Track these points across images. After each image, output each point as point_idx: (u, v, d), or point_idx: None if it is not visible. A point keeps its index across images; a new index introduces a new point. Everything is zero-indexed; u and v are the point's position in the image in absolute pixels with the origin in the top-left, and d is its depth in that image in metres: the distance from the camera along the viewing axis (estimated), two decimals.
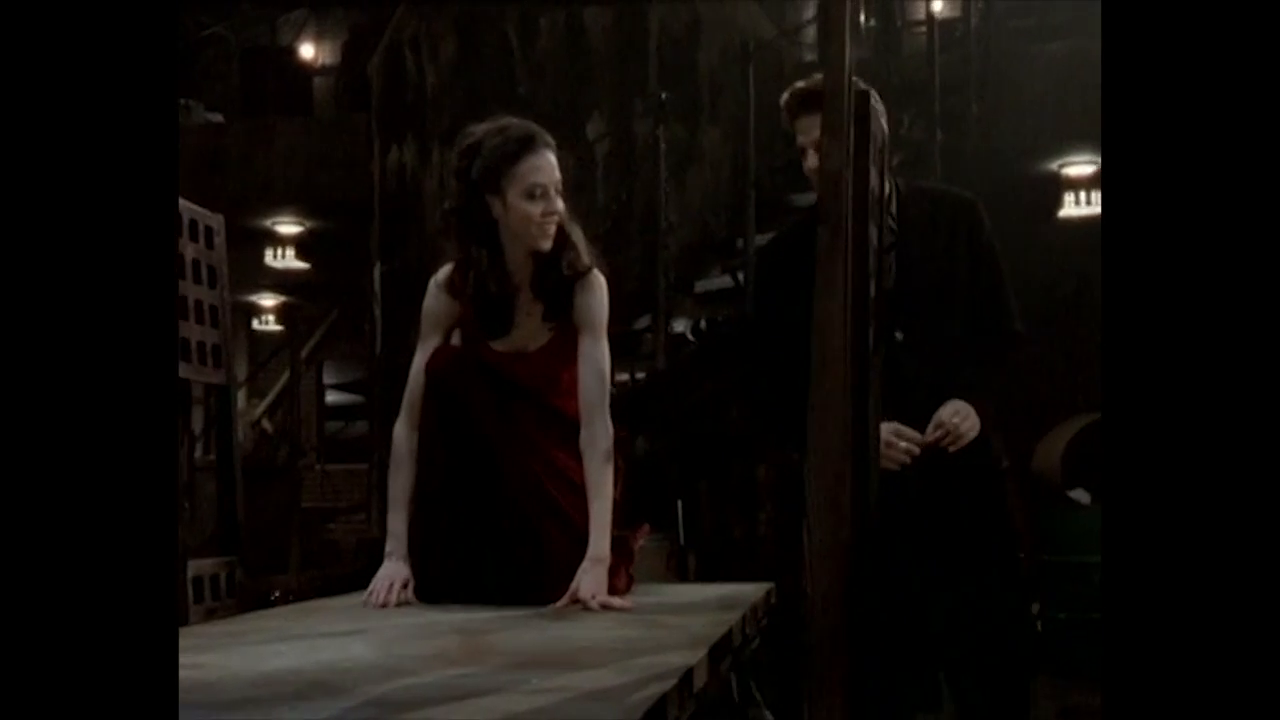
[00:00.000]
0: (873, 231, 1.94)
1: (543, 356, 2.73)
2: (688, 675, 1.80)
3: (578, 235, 2.76)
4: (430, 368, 2.69)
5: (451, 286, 2.75)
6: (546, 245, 2.68)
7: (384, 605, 2.58)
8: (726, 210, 7.55)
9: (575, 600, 2.51)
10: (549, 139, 2.72)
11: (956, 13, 8.71)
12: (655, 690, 1.60)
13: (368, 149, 7.74)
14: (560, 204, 2.68)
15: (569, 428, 2.68)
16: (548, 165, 2.67)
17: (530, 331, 2.74)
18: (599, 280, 2.74)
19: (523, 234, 2.67)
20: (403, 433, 2.73)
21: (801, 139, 2.78)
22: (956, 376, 2.77)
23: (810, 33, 8.50)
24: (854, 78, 1.73)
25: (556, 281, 2.71)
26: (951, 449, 2.69)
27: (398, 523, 2.71)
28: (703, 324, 7.01)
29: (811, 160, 2.70)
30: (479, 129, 2.72)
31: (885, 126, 2.07)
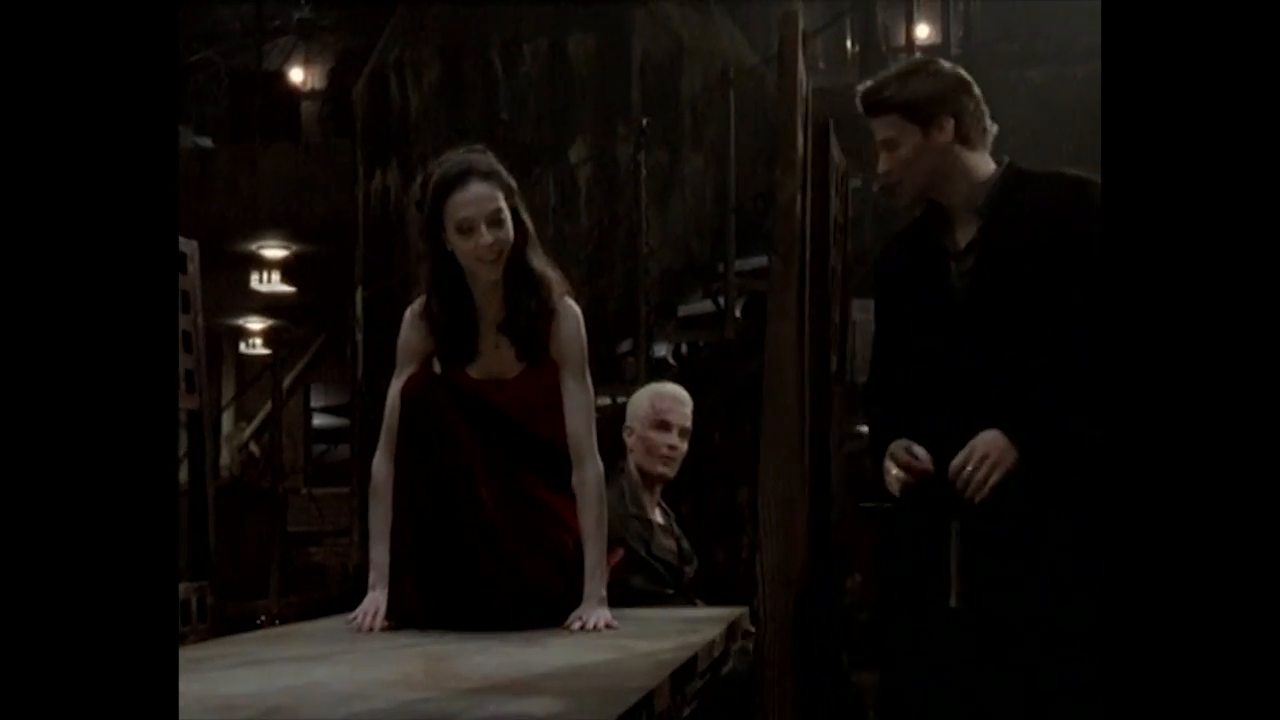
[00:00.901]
0: (833, 255, 1.96)
1: (519, 384, 2.73)
2: (647, 699, 1.81)
3: (543, 266, 2.73)
4: (405, 392, 2.69)
5: (424, 316, 2.75)
6: (491, 276, 2.67)
7: (369, 630, 2.59)
8: (708, 235, 7.58)
9: (581, 627, 2.56)
10: (487, 169, 2.67)
11: (938, 39, 8.78)
12: (610, 713, 1.61)
13: (352, 174, 7.76)
14: (492, 237, 2.62)
15: (546, 454, 2.70)
16: (476, 199, 2.62)
17: (502, 361, 2.73)
18: (573, 312, 2.74)
19: (468, 266, 2.66)
20: (382, 463, 2.71)
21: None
22: (1023, 401, 2.34)
23: (815, 48, 8.57)
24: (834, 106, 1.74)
25: (528, 325, 2.70)
26: (974, 498, 2.31)
27: (380, 554, 2.68)
28: (684, 348, 7.04)
29: (882, 164, 2.48)
30: (436, 161, 2.73)
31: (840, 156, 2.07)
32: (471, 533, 2.60)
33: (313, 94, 13.26)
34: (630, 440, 3.58)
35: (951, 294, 2.46)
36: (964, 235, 2.48)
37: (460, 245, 2.64)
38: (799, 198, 1.63)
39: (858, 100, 2.46)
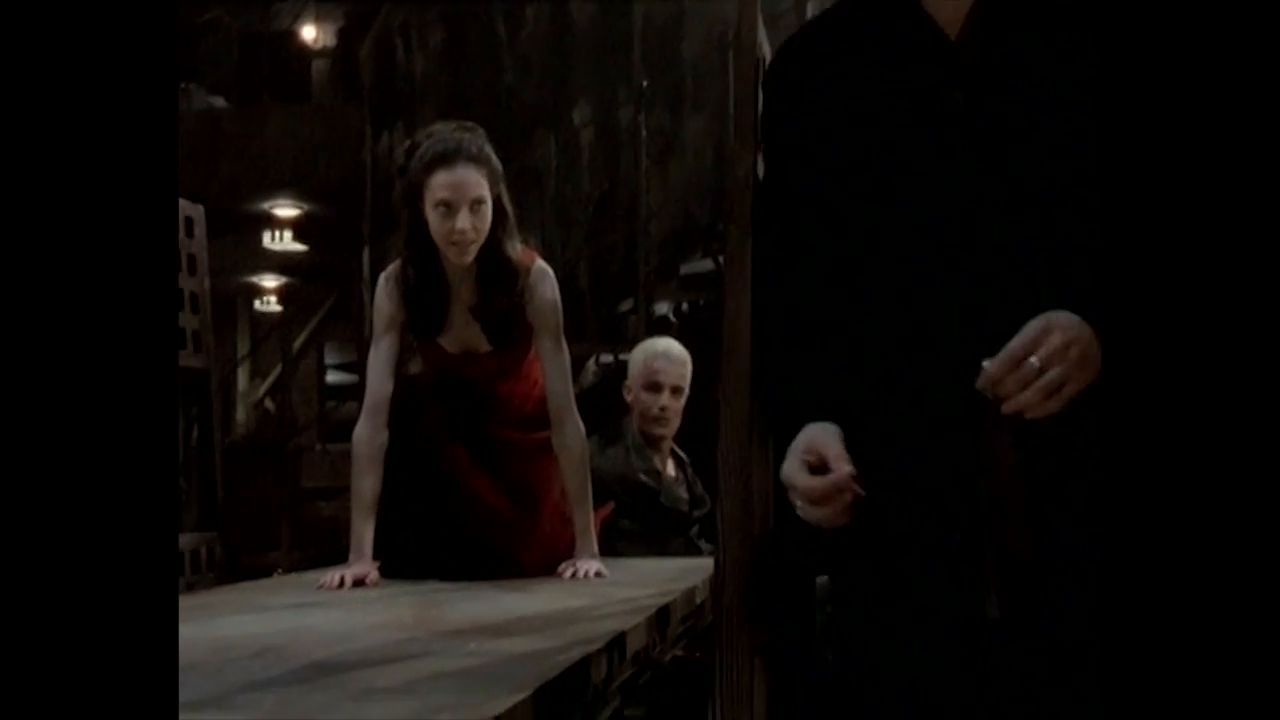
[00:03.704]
0: None
1: (494, 357, 2.78)
2: (618, 639, 1.92)
3: (516, 254, 2.70)
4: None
5: (396, 283, 2.74)
6: (463, 260, 2.64)
7: (337, 588, 2.57)
8: (709, 196, 7.67)
9: (573, 576, 2.66)
10: (476, 152, 2.62)
11: None
12: (579, 652, 1.73)
13: (361, 135, 7.86)
14: (468, 223, 2.58)
15: (522, 415, 2.80)
16: (459, 183, 2.58)
17: (474, 337, 2.75)
18: (547, 277, 2.73)
19: (441, 246, 2.64)
20: (364, 435, 2.68)
21: None
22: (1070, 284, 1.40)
23: (791, 21, 8.59)
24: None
25: (498, 314, 2.70)
26: (1031, 411, 1.34)
27: (363, 529, 2.64)
28: (685, 306, 7.15)
29: None
30: (426, 131, 2.72)
31: None
32: (453, 490, 2.70)
33: (323, 52, 13.31)
34: (629, 399, 3.63)
35: (946, 128, 1.46)
36: (950, 13, 1.48)
37: (436, 226, 2.61)
38: (756, 170, 1.73)
39: None
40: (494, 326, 2.72)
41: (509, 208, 2.70)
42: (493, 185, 2.64)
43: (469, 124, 2.73)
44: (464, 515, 2.70)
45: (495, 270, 2.68)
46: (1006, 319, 1.37)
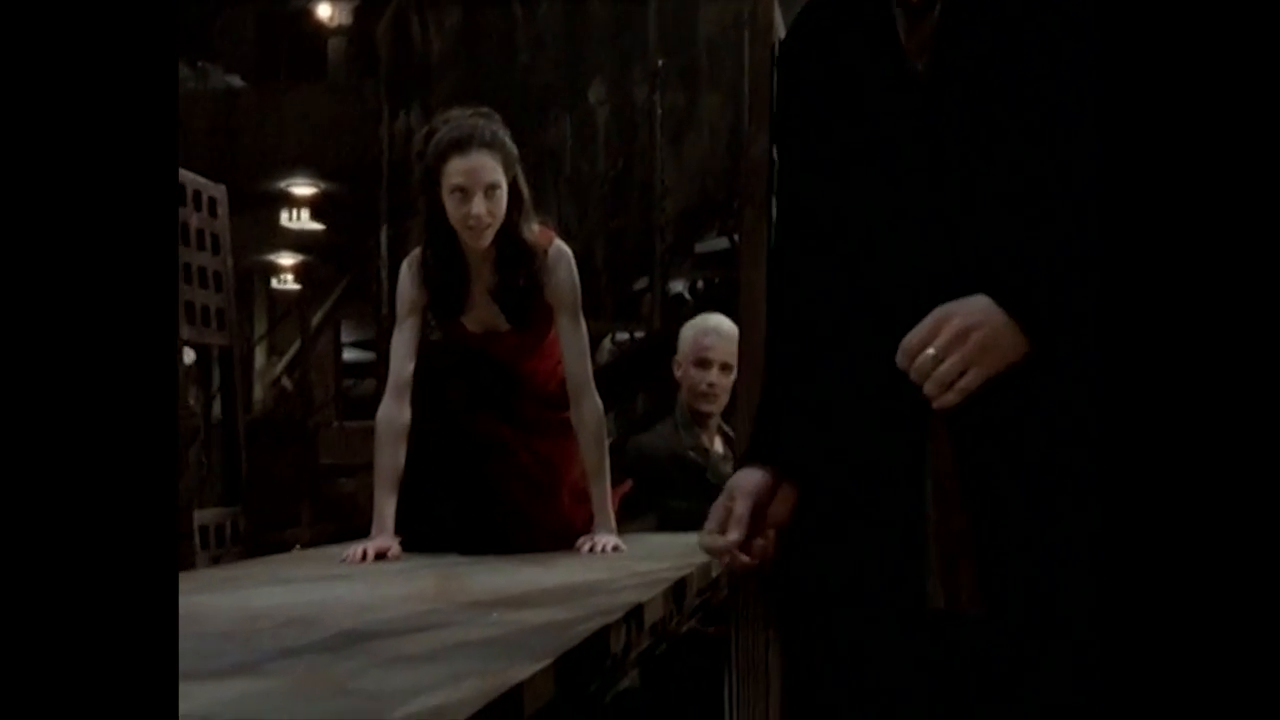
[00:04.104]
0: None
1: (515, 335, 2.83)
2: (636, 611, 1.97)
3: (533, 236, 2.74)
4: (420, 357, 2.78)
5: (418, 267, 2.79)
6: (479, 244, 2.70)
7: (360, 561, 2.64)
8: (724, 174, 7.69)
9: (591, 549, 2.70)
10: (490, 137, 2.66)
11: None
12: (598, 623, 1.77)
13: (377, 113, 7.90)
14: (483, 208, 2.63)
15: (544, 392, 2.85)
16: (473, 169, 2.63)
17: (495, 317, 2.81)
18: (565, 257, 2.77)
19: (458, 230, 2.70)
20: (387, 414, 2.74)
21: None
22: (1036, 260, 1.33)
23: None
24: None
25: (517, 297, 2.75)
26: (934, 402, 1.33)
27: (385, 504, 2.70)
28: (700, 284, 7.18)
29: None
30: (443, 117, 2.76)
31: None
32: (474, 465, 2.76)
33: (340, 31, 13.32)
34: (678, 375, 3.59)
35: (903, 100, 1.42)
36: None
37: (452, 211, 2.67)
38: (771, 150, 1.76)
39: None
40: (513, 307, 2.77)
41: (525, 191, 2.74)
42: (507, 170, 2.68)
43: (485, 109, 2.77)
44: (485, 490, 2.75)
45: (513, 252, 2.73)
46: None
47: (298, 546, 6.34)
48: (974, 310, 1.31)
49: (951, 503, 1.36)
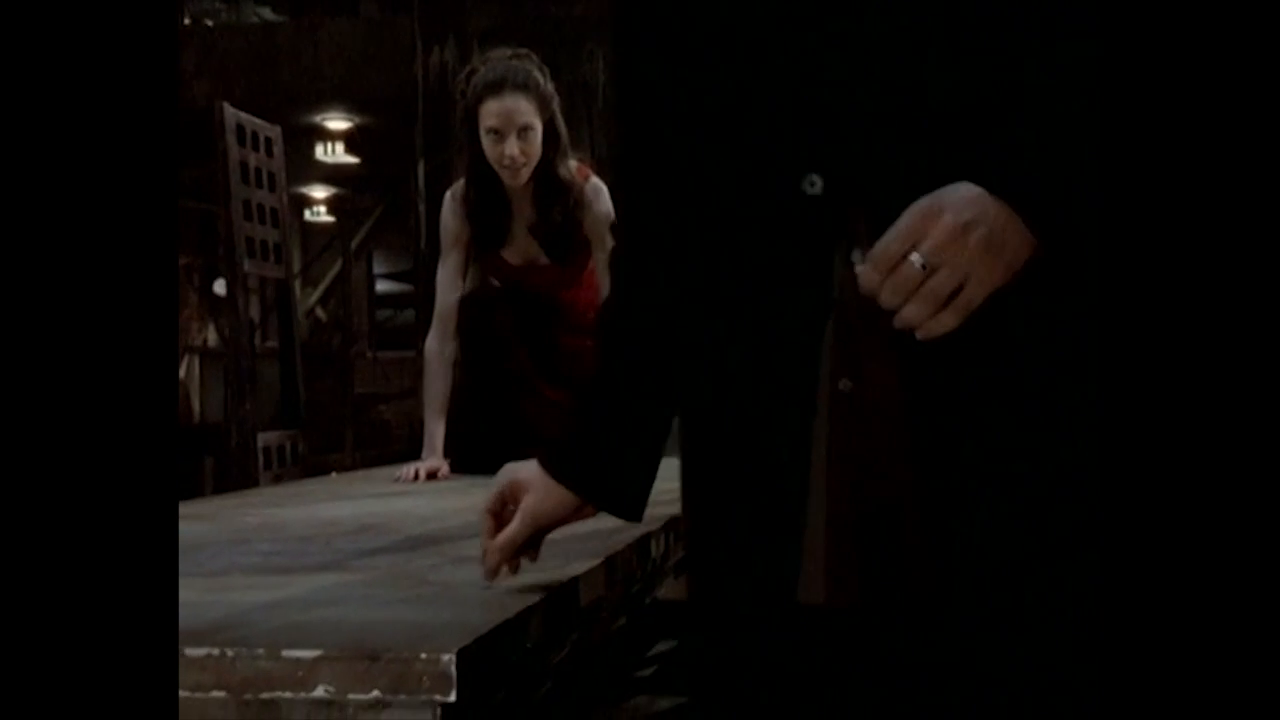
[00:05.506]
0: None
1: (555, 267, 2.98)
2: (673, 521, 2.10)
3: (569, 174, 2.84)
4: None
5: (461, 201, 2.94)
6: (516, 182, 2.83)
7: (414, 480, 2.83)
8: None
9: None
10: (524, 79, 2.75)
11: None
12: (640, 530, 1.94)
13: (411, 48, 7.99)
14: (517, 149, 2.74)
15: (581, 318, 2.99)
16: (506, 111, 2.74)
17: (535, 249, 2.95)
18: (601, 192, 2.89)
19: (496, 169, 2.82)
20: (434, 346, 2.92)
21: None
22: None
23: None
24: None
25: (555, 233, 2.88)
26: (920, 330, 0.97)
27: (435, 428, 2.87)
28: None
29: None
30: (483, 58, 2.89)
31: None
32: (518, 390, 2.93)
33: None
34: None
35: None
36: None
37: (488, 150, 2.80)
38: None
39: None
40: (551, 241, 2.92)
41: (562, 130, 2.87)
42: (542, 111, 2.81)
43: (523, 50, 2.90)
44: (529, 413, 2.92)
45: (550, 190, 2.86)
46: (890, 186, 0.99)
47: (333, 473, 6.56)
48: (970, 201, 0.96)
49: (891, 469, 0.99)
